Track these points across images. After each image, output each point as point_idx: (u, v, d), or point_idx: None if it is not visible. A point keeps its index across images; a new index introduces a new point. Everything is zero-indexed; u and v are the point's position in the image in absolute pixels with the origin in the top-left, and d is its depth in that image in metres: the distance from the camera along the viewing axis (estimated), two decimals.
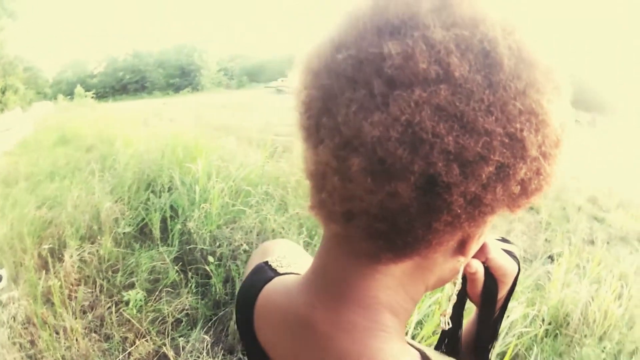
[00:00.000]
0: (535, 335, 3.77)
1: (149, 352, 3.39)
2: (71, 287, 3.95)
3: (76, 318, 3.57)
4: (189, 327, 3.65)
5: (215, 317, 3.71)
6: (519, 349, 3.45)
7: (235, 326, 0.83)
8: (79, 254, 4.26)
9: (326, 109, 0.50)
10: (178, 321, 3.71)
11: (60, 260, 4.20)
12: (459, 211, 0.47)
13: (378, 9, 0.49)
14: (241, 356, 3.39)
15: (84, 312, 3.75)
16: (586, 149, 10.91)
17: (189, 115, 13.93)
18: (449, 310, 0.75)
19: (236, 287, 3.82)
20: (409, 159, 0.45)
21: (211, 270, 3.96)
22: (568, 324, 4.03)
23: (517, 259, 0.82)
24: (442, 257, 0.60)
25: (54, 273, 3.98)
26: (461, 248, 0.58)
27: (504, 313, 0.84)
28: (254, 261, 0.83)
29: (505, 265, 0.77)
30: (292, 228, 4.43)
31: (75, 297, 3.81)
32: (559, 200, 7.96)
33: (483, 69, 0.45)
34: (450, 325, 0.76)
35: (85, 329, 3.56)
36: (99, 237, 4.60)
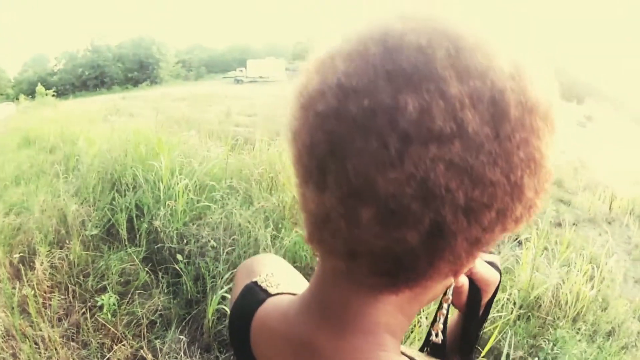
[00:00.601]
0: (508, 320, 3.81)
1: (127, 356, 3.33)
2: (45, 294, 3.84)
3: (53, 327, 3.49)
4: (164, 328, 3.59)
5: (189, 316, 3.66)
6: (492, 333, 3.48)
7: (230, 339, 0.81)
8: (49, 260, 4.14)
9: (333, 154, 0.48)
10: (152, 323, 3.64)
11: (32, 268, 4.09)
12: (461, 252, 0.49)
13: (389, 54, 0.46)
14: (218, 354, 3.38)
15: (60, 320, 3.65)
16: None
17: (148, 110, 13.68)
18: (441, 325, 0.76)
19: (207, 284, 3.78)
20: (420, 211, 0.45)
21: (181, 269, 3.90)
22: (540, 306, 4.06)
23: (499, 268, 0.86)
24: (438, 281, 0.61)
25: (27, 281, 3.87)
26: (456, 273, 0.58)
27: (487, 316, 0.87)
28: (240, 280, 0.82)
29: (488, 276, 0.81)
30: (259, 222, 4.38)
31: (50, 305, 3.71)
32: None
33: (492, 119, 0.45)
34: (442, 338, 0.77)
35: (63, 337, 3.47)
36: (67, 242, 4.47)
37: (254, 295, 0.74)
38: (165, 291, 3.90)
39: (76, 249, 4.29)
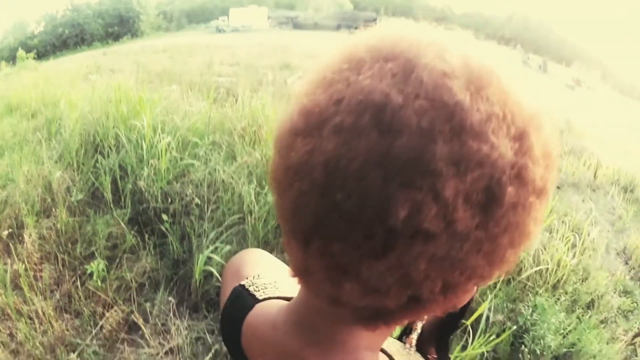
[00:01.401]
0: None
1: (119, 321, 3.36)
2: (35, 267, 3.82)
3: (45, 299, 3.49)
4: (153, 290, 3.61)
5: (177, 277, 3.68)
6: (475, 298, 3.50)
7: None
8: (38, 232, 4.09)
9: (317, 230, 0.47)
10: (141, 285, 3.66)
11: (21, 241, 4.04)
12: (436, 309, 0.52)
13: (385, 137, 0.42)
14: (206, 313, 3.40)
15: (52, 292, 3.65)
16: (537, 92, 10.77)
17: (129, 64, 13.42)
18: (415, 336, 0.83)
19: (193, 243, 3.77)
20: (399, 292, 0.47)
21: (166, 229, 3.87)
22: (520, 270, 4.03)
23: None
24: None
25: (17, 256, 3.84)
26: None
27: (464, 312, 0.87)
28: (229, 281, 0.83)
29: None
30: (242, 177, 4.34)
31: (41, 277, 3.70)
32: None
33: (483, 209, 0.44)
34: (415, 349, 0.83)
35: (56, 309, 3.47)
36: (54, 210, 4.41)
37: (243, 300, 0.76)
38: (152, 252, 3.88)
39: (62, 216, 4.23)
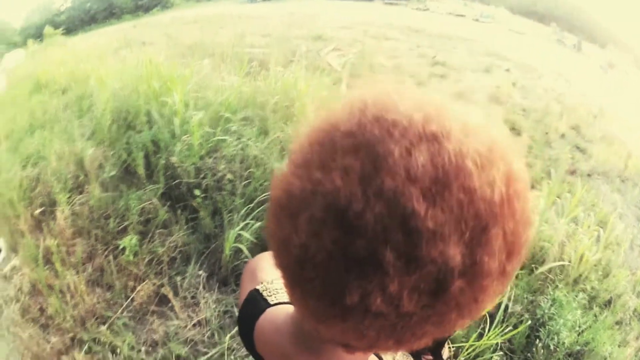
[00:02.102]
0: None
1: (150, 294, 3.59)
2: (68, 242, 4.07)
3: (77, 273, 3.74)
4: (184, 264, 3.84)
5: (207, 251, 3.89)
6: None
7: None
8: (70, 208, 4.34)
9: (297, 286, 0.60)
10: (173, 259, 3.88)
11: (53, 218, 4.28)
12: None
13: (346, 238, 0.50)
14: (235, 287, 3.57)
15: (84, 265, 3.90)
16: (570, 72, 10.18)
17: (160, 36, 13.53)
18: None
19: (224, 218, 3.97)
20: (359, 343, 0.61)
21: (198, 204, 4.08)
22: (544, 261, 4.05)
23: None
24: None
25: (49, 232, 4.10)
26: None
27: None
28: (246, 284, 1.01)
29: None
30: (274, 153, 4.54)
31: (74, 252, 3.95)
32: (542, 123, 7.62)
33: (432, 295, 0.51)
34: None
35: (88, 282, 3.73)
36: (86, 186, 4.66)
37: (256, 304, 0.93)
38: (184, 227, 4.09)
39: (95, 192, 4.47)
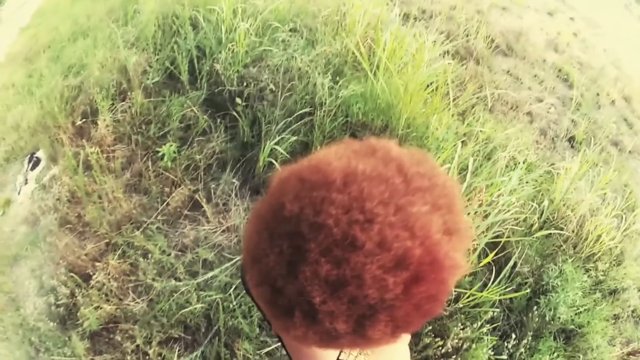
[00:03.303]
0: (531, 225, 4.04)
1: (184, 199, 3.99)
2: (108, 148, 4.44)
3: (116, 178, 4.14)
4: (219, 171, 4.20)
5: (243, 159, 4.23)
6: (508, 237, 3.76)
7: None
8: (112, 115, 4.68)
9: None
10: (209, 166, 4.24)
11: (95, 126, 4.62)
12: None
13: (272, 297, 0.78)
14: None
15: (123, 170, 4.29)
16: (632, 40, 9.65)
17: None
18: None
19: (262, 129, 4.29)
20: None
21: (238, 112, 4.38)
22: (562, 229, 4.18)
23: None
24: None
25: (90, 140, 4.47)
26: None
27: None
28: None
29: None
30: (319, 67, 4.73)
31: (114, 158, 4.34)
32: (595, 83, 7.47)
33: (358, 322, 0.74)
34: None
35: (126, 187, 4.13)
36: (129, 93, 4.94)
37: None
38: (223, 135, 4.42)
39: (138, 98, 4.75)
